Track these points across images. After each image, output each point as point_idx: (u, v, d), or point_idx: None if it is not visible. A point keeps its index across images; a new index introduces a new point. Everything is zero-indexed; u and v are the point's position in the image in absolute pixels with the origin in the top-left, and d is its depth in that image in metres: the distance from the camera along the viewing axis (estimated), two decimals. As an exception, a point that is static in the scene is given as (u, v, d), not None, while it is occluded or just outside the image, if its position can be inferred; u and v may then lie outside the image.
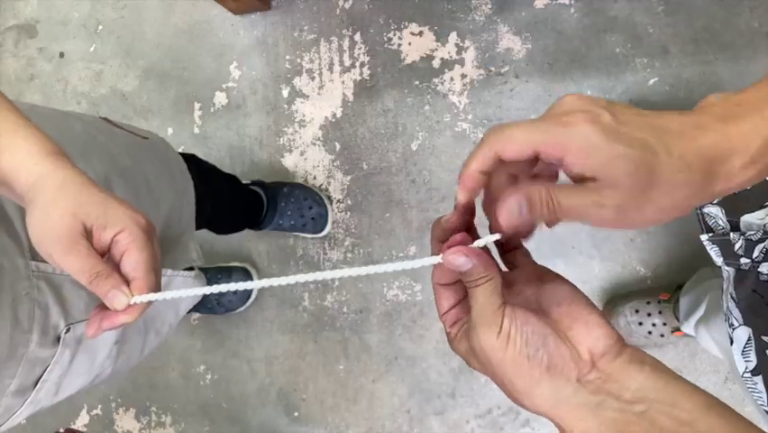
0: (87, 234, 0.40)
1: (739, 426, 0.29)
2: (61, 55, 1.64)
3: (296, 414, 1.37)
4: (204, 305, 1.35)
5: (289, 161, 1.41)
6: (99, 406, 1.54)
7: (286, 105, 1.41)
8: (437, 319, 1.27)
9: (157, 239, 0.43)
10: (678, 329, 1.06)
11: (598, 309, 0.34)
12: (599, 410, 0.30)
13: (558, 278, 0.36)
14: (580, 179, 0.31)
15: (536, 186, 0.31)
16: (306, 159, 1.40)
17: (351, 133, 1.36)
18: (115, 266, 0.40)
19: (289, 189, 1.31)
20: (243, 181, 1.27)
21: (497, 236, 0.34)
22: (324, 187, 1.38)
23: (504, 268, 0.39)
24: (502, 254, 0.39)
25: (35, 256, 0.54)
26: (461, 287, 0.36)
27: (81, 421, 1.55)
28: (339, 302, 1.35)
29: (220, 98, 1.47)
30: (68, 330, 0.57)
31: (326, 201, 1.34)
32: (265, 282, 0.39)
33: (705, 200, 0.31)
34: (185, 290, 0.40)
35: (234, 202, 1.19)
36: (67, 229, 0.39)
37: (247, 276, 1.36)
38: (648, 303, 1.09)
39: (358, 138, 1.35)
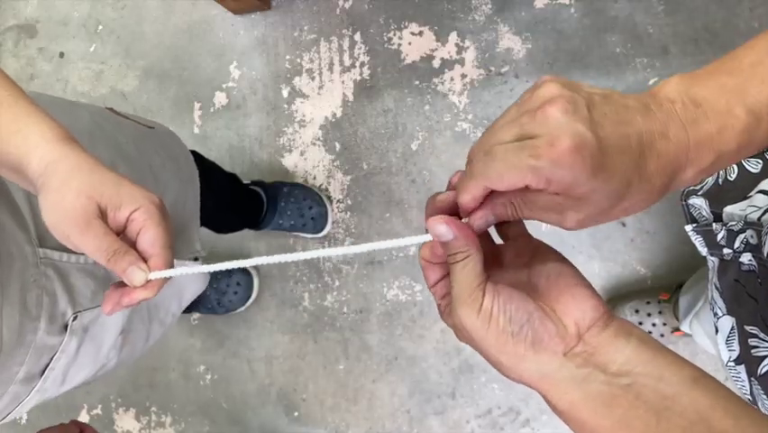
0: (102, 215, 0.40)
1: (723, 399, 0.29)
2: (61, 55, 1.64)
3: (296, 414, 1.37)
4: (204, 305, 1.35)
5: (289, 160, 1.41)
6: (99, 406, 1.54)
7: (286, 105, 1.41)
8: (437, 320, 1.27)
9: (170, 219, 0.43)
10: (678, 329, 1.06)
11: (586, 281, 0.34)
12: (585, 384, 0.31)
13: (549, 251, 0.36)
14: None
15: (504, 200, 0.32)
16: (306, 159, 1.39)
17: (351, 133, 1.36)
18: (131, 244, 0.41)
19: (289, 189, 1.31)
20: (243, 181, 1.27)
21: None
22: (324, 187, 1.38)
23: (498, 240, 0.39)
24: (497, 226, 0.38)
25: (43, 243, 0.54)
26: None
27: (81, 420, 1.55)
28: (339, 302, 1.35)
29: (220, 98, 1.47)
30: (75, 318, 0.57)
31: (326, 201, 1.34)
32: (276, 259, 0.39)
33: (649, 206, 0.32)
34: (200, 266, 0.41)
35: (235, 200, 1.19)
36: (82, 210, 0.39)
37: (247, 275, 1.36)
38: (648, 303, 1.10)
39: (358, 138, 1.35)
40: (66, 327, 0.56)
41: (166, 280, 0.41)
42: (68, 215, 0.39)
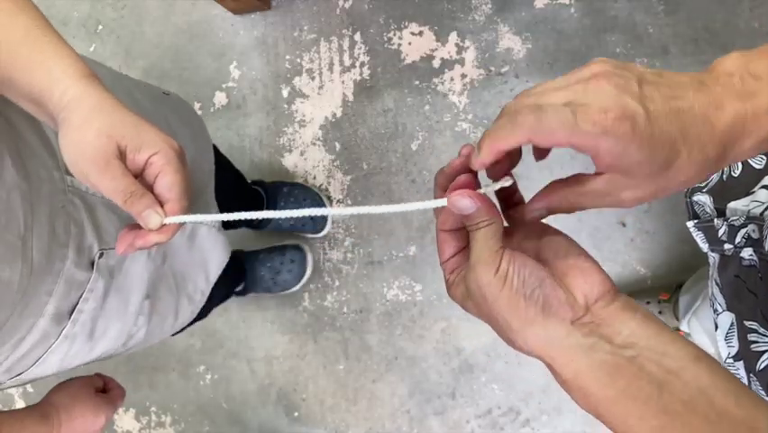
0: (121, 155, 0.40)
1: (724, 378, 0.30)
2: (61, 55, 1.64)
3: (296, 414, 1.37)
4: (260, 285, 1.32)
5: (289, 160, 1.41)
6: (99, 406, 1.54)
7: (286, 105, 1.41)
8: (437, 319, 1.27)
9: (188, 167, 0.43)
10: (678, 329, 1.06)
11: (593, 258, 0.35)
12: (591, 352, 0.31)
13: (557, 232, 0.37)
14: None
15: (559, 194, 0.34)
16: (306, 159, 1.40)
17: (351, 133, 1.36)
18: (148, 188, 0.41)
19: (289, 189, 1.31)
20: (243, 181, 1.27)
21: (500, 184, 0.36)
22: (324, 187, 1.38)
23: (506, 223, 0.40)
24: (504, 210, 0.40)
25: (70, 172, 0.54)
26: (463, 235, 0.38)
27: (81, 421, 1.55)
28: (339, 302, 1.35)
29: (220, 98, 1.47)
30: (101, 255, 0.56)
31: (326, 201, 1.34)
32: (297, 213, 0.39)
33: (708, 176, 0.32)
34: (215, 215, 0.41)
35: (240, 197, 1.19)
36: (102, 150, 0.39)
37: (300, 252, 1.33)
38: (648, 303, 1.09)
39: (358, 138, 1.35)
40: (92, 264, 0.56)
41: (180, 225, 0.42)
42: (88, 154, 0.39)
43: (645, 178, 0.31)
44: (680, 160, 0.30)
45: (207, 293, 0.82)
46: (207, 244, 0.78)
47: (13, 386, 0.59)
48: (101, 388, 0.70)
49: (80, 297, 0.56)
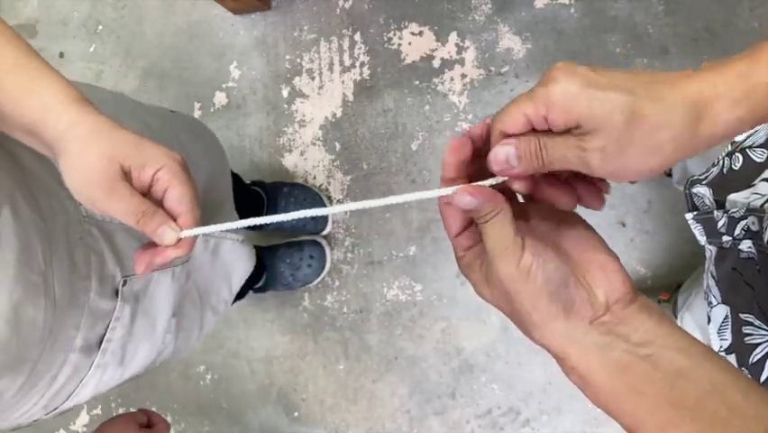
0: (126, 176, 0.40)
1: (734, 375, 0.30)
2: (61, 55, 1.64)
3: (296, 414, 1.37)
4: (280, 282, 1.32)
5: (289, 161, 1.41)
6: (99, 406, 1.54)
7: (286, 105, 1.41)
8: (437, 319, 1.27)
9: (193, 177, 0.43)
10: (678, 329, 1.06)
11: (615, 255, 0.35)
12: (606, 351, 0.31)
13: (576, 218, 0.37)
14: (567, 132, 0.32)
15: (527, 136, 0.33)
16: (306, 159, 1.40)
17: (351, 133, 1.36)
18: (158, 204, 0.41)
19: (289, 189, 1.31)
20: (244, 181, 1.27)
21: (492, 181, 0.36)
22: (324, 187, 1.38)
23: (521, 198, 0.39)
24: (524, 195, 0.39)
25: None
26: None
27: (81, 421, 1.55)
28: (339, 302, 1.35)
29: (220, 98, 1.47)
30: (124, 283, 0.56)
31: (326, 201, 1.34)
32: (305, 213, 0.39)
33: (694, 147, 0.30)
34: (230, 223, 0.40)
35: (238, 200, 1.19)
36: (105, 173, 0.39)
37: (319, 247, 1.32)
38: (648, 303, 1.09)
39: (358, 138, 1.35)
40: (117, 292, 0.55)
41: (196, 238, 0.41)
42: (92, 179, 0.39)
43: (607, 133, 0.30)
44: (641, 109, 0.29)
45: (231, 302, 0.81)
46: (231, 257, 0.77)
47: (48, 419, 0.58)
48: (145, 423, 0.69)
49: (107, 326, 0.55)
